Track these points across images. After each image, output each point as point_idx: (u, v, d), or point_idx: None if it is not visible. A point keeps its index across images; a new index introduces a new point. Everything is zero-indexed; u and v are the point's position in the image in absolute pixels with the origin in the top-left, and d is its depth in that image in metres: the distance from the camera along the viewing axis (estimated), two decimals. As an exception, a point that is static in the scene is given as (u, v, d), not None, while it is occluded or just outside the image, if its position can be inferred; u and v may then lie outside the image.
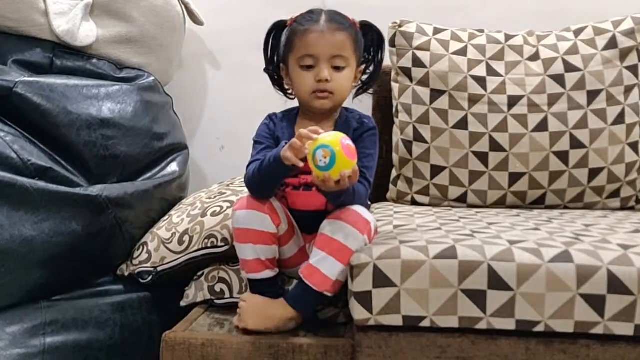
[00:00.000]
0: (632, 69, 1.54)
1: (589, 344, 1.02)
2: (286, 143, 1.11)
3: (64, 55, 1.53)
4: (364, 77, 1.32)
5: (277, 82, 1.33)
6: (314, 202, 1.21)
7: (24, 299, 1.27)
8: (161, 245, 1.41)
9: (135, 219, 1.46)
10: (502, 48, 1.60)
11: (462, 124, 1.55)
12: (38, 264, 1.27)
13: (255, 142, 1.26)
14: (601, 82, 1.53)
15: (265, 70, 1.32)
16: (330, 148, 1.03)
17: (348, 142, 1.06)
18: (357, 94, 1.34)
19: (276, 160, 1.11)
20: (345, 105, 1.30)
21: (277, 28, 1.28)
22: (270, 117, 1.30)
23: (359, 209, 1.14)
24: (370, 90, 1.36)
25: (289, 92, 1.31)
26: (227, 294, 1.34)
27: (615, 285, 0.98)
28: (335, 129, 1.25)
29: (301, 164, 1.08)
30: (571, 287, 0.99)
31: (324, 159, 1.03)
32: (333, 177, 1.05)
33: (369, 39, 1.29)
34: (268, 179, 1.16)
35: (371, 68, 1.32)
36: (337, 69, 1.20)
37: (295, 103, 1.30)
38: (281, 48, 1.27)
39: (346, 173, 1.05)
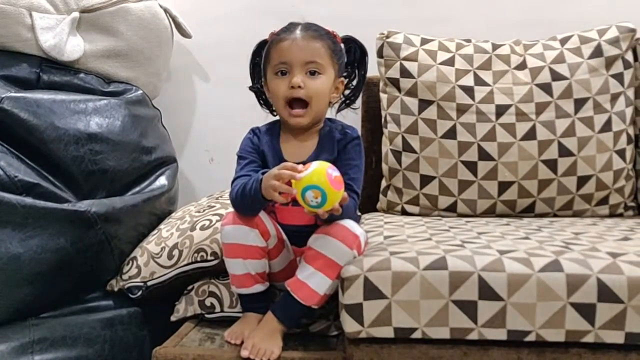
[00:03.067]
0: (618, 77, 1.55)
1: (580, 352, 1.02)
2: (263, 174, 1.10)
3: (50, 70, 1.52)
4: (347, 91, 1.32)
5: (263, 100, 1.33)
6: (302, 216, 1.21)
7: (11, 317, 1.25)
8: (151, 259, 1.40)
9: (124, 234, 1.45)
10: (490, 57, 1.61)
11: (451, 134, 1.55)
12: (26, 281, 1.25)
13: (239, 157, 1.26)
14: (588, 90, 1.54)
15: (251, 88, 1.33)
16: (320, 188, 1.02)
17: (334, 173, 1.05)
18: (340, 109, 1.34)
19: (257, 193, 1.10)
20: (328, 116, 1.30)
21: (261, 47, 1.29)
22: (253, 131, 1.30)
23: (347, 223, 1.13)
24: (354, 106, 1.35)
25: (274, 108, 1.31)
26: (218, 308, 1.33)
27: (605, 293, 0.98)
28: (319, 141, 1.25)
29: (287, 200, 1.09)
30: (561, 296, 0.99)
31: (315, 199, 1.03)
32: (325, 210, 1.06)
33: (351, 53, 1.29)
34: (250, 206, 1.16)
35: (354, 82, 1.32)
36: (312, 74, 1.20)
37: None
38: (262, 61, 1.28)
39: (337, 203, 1.06)
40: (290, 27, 1.23)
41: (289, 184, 1.06)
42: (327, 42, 1.22)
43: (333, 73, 1.23)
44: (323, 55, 1.20)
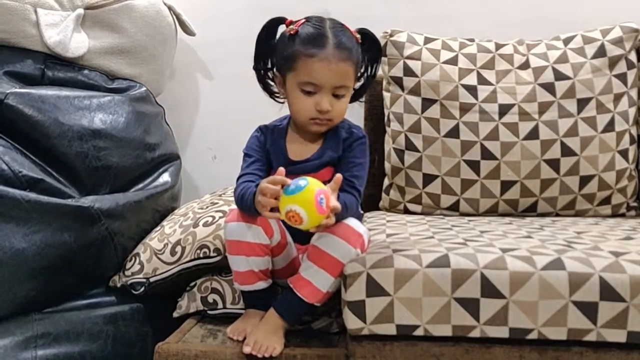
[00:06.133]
0: (621, 77, 1.55)
1: (582, 351, 1.02)
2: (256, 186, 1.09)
3: (55, 67, 1.52)
4: (357, 84, 1.30)
5: (264, 82, 1.28)
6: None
7: (14, 312, 1.26)
8: (153, 256, 1.40)
9: (127, 230, 1.45)
10: (493, 57, 1.61)
11: (454, 133, 1.55)
12: (29, 276, 1.26)
13: (245, 155, 1.25)
14: (591, 90, 1.54)
15: (254, 67, 1.27)
16: (302, 210, 1.01)
17: (323, 199, 1.02)
18: (350, 102, 1.33)
19: (252, 205, 1.10)
20: None
21: (274, 25, 1.23)
22: (260, 129, 1.29)
23: (351, 221, 1.13)
24: (362, 99, 1.34)
25: (277, 95, 1.28)
26: (220, 305, 1.33)
27: (608, 292, 0.98)
28: (325, 141, 1.24)
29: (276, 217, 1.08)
30: (564, 294, 0.99)
31: (295, 221, 1.02)
32: (309, 229, 1.06)
33: (365, 47, 1.25)
34: (249, 212, 1.15)
35: (366, 75, 1.29)
36: (337, 96, 1.18)
37: (285, 111, 1.29)
38: (277, 52, 1.22)
39: (320, 223, 1.04)
40: (319, 38, 1.15)
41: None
42: (355, 59, 1.18)
43: (354, 82, 1.22)
44: (351, 76, 1.18)
